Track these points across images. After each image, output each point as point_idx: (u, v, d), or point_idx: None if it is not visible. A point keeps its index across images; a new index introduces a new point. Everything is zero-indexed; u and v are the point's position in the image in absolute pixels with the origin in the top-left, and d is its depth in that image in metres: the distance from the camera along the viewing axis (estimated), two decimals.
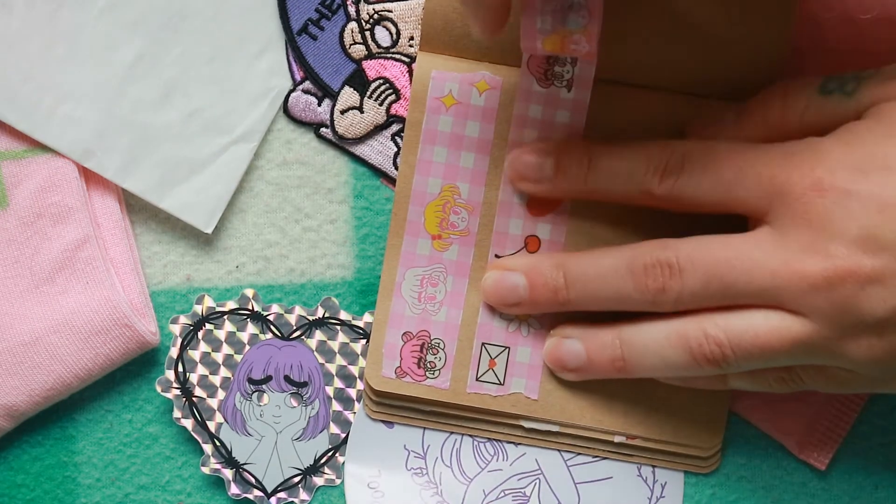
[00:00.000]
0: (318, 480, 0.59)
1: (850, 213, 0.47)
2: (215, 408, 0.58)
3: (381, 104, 0.59)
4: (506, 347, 0.57)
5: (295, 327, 0.59)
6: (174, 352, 0.58)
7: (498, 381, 0.57)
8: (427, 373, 0.57)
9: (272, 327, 0.59)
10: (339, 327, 0.59)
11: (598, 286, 0.53)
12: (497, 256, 0.57)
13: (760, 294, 0.49)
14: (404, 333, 0.57)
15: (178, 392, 0.58)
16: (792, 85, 0.52)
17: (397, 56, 0.59)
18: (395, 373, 0.57)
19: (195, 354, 0.58)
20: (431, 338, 0.57)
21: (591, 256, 0.53)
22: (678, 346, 0.51)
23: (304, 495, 0.59)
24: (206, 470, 0.58)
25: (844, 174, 0.48)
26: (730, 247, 0.50)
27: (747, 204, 0.50)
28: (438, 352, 0.57)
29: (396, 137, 0.59)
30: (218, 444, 0.58)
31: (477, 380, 0.57)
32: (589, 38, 0.51)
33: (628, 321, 0.54)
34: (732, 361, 0.50)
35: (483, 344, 0.57)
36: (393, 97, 0.59)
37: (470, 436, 0.58)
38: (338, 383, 0.59)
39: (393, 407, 0.58)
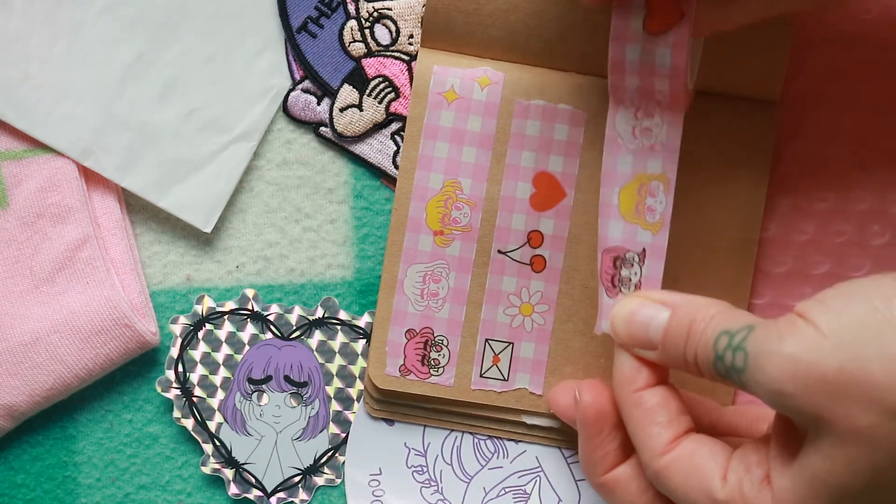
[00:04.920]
0: (318, 480, 0.59)
1: None
2: (215, 408, 0.58)
3: (380, 102, 0.59)
4: (509, 343, 0.57)
5: (295, 327, 0.59)
6: (174, 352, 0.58)
7: (502, 377, 0.57)
8: (431, 370, 0.57)
9: (272, 327, 0.59)
10: (338, 327, 0.59)
11: None
12: (500, 252, 0.57)
13: None
14: (407, 331, 0.57)
15: (178, 392, 0.58)
16: (693, 333, 0.48)
17: (397, 54, 0.59)
18: (399, 371, 0.57)
19: (195, 354, 0.58)
20: (435, 335, 0.57)
21: None
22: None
23: (303, 495, 0.59)
24: (206, 470, 0.58)
25: None
26: None
27: None
28: (442, 349, 0.57)
29: (396, 136, 0.59)
30: (218, 443, 0.58)
31: (481, 376, 0.57)
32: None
33: None
34: None
35: (486, 340, 0.57)
36: (392, 95, 0.59)
37: (470, 433, 0.58)
38: (338, 383, 0.58)
39: (394, 405, 0.58)
